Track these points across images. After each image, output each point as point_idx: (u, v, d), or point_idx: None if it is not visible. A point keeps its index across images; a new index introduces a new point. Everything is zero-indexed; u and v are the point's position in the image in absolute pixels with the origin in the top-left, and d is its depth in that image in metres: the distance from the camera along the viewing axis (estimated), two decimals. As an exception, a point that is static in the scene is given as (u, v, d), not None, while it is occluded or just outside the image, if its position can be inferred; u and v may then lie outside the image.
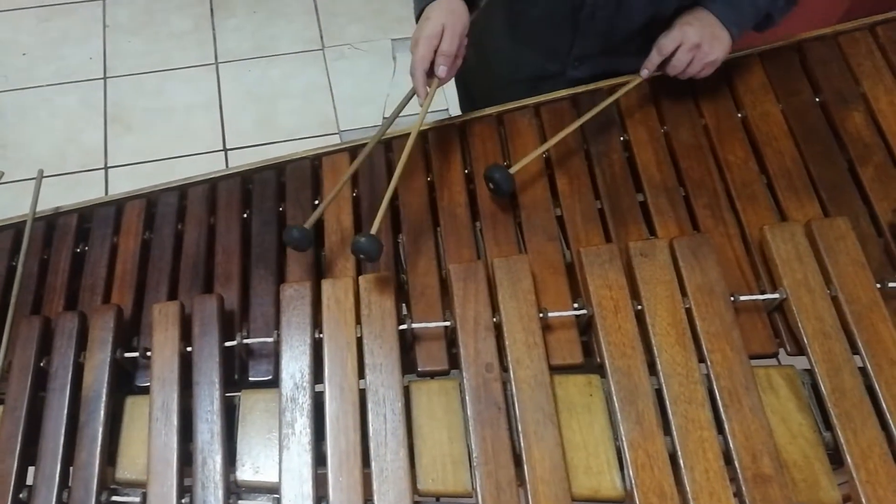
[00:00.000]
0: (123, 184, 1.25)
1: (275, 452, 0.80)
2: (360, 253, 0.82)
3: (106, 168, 2.19)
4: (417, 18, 0.94)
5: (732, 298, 0.83)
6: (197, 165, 2.14)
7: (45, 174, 1.06)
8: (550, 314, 0.83)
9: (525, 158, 0.94)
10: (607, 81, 1.06)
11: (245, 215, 0.98)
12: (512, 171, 0.92)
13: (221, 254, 0.95)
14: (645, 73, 0.98)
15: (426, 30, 0.89)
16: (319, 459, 0.77)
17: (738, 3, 0.96)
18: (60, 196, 1.06)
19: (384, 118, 2.23)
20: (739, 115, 1.03)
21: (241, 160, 1.04)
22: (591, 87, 1.06)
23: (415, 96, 0.95)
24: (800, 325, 0.81)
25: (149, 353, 0.83)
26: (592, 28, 1.02)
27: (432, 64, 0.91)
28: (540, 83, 1.11)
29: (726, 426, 0.75)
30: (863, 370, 0.78)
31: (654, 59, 0.97)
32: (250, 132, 2.23)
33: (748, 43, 1.07)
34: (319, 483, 0.76)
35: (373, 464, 0.76)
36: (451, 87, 1.19)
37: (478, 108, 1.27)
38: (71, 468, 0.78)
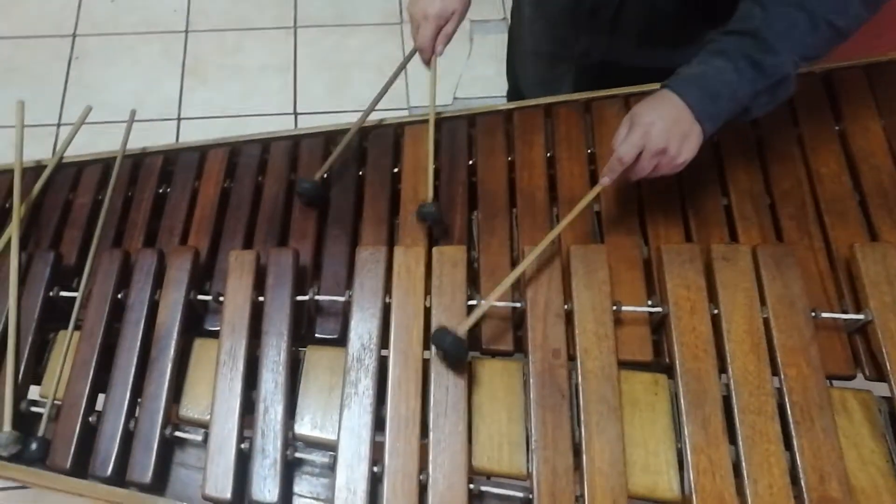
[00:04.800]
0: (194, 136, 1.28)
1: (334, 410, 0.80)
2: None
3: (179, 119, 2.23)
4: None
5: (813, 314, 0.80)
6: (267, 125, 2.14)
7: (120, 119, 1.08)
8: (624, 308, 0.81)
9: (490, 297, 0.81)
10: (631, 88, 1.03)
11: (325, 175, 0.99)
12: (461, 331, 0.78)
13: (298, 210, 0.96)
14: (605, 181, 0.83)
15: (436, 6, 0.94)
16: (377, 425, 0.77)
17: (717, 93, 0.79)
18: (133, 142, 1.08)
19: (454, 98, 2.23)
20: (837, 127, 0.99)
21: (310, 125, 1.06)
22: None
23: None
24: (884, 350, 0.78)
25: (221, 298, 0.85)
26: (594, 25, 1.01)
27: None
28: (556, 62, 1.14)
29: (795, 443, 0.73)
30: (947, 403, 0.75)
31: (615, 167, 0.82)
32: (321, 99, 2.25)
33: (853, 54, 1.03)
34: (376, 448, 0.76)
35: (431, 434, 0.75)
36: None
37: (516, 75, 1.35)
38: (139, 400, 0.81)
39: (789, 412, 0.75)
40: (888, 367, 0.77)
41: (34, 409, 0.83)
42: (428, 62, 1.01)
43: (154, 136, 1.10)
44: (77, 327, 0.86)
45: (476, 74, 2.26)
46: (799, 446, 0.73)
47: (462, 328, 0.78)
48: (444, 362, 0.79)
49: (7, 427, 0.79)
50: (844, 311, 0.83)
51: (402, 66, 1.05)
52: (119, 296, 0.86)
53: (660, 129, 0.79)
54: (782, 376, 0.77)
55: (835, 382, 0.81)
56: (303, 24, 2.41)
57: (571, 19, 1.05)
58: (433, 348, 0.79)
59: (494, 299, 0.80)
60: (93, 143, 1.09)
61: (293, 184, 0.98)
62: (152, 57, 2.34)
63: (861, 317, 0.80)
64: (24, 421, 0.82)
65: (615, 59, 1.04)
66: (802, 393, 0.75)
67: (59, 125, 2.18)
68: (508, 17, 2.39)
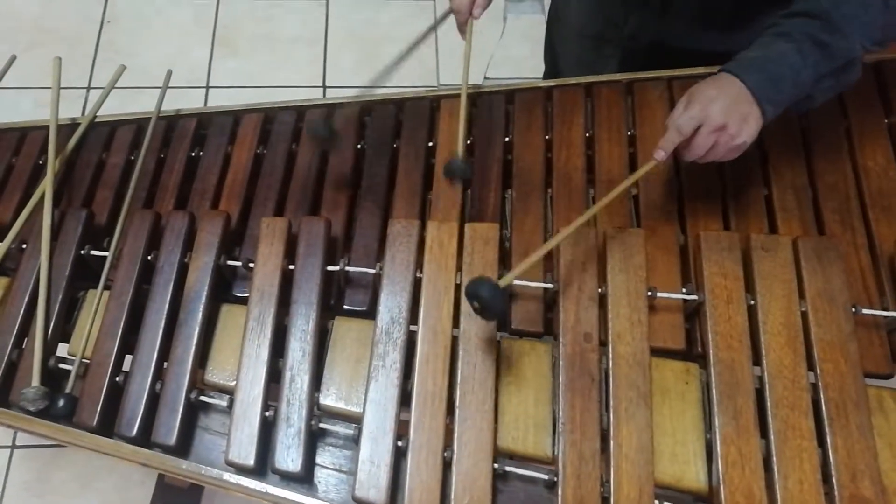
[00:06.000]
0: (221, 105, 1.29)
1: (360, 382, 0.80)
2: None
3: (207, 87, 2.22)
4: None
5: (854, 310, 0.78)
6: (295, 98, 2.15)
7: (148, 85, 1.08)
8: (659, 294, 0.79)
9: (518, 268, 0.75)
10: (675, 71, 1.00)
11: (359, 146, 0.97)
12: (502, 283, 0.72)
13: (332, 180, 0.95)
14: (661, 154, 0.78)
15: None
16: (403, 399, 0.77)
17: (779, 76, 0.76)
18: (163, 107, 1.07)
19: (485, 77, 2.20)
20: (887, 120, 0.96)
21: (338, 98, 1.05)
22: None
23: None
24: (925, 350, 0.76)
25: (251, 265, 0.84)
26: (646, 5, 0.98)
27: None
28: (602, 44, 1.10)
29: (828, 440, 0.71)
30: None
31: (672, 138, 0.78)
32: (350, 72, 2.23)
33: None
34: (400, 423, 0.76)
35: (457, 411, 0.75)
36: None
37: (555, 55, 1.31)
38: (165, 362, 0.80)
39: (824, 408, 0.73)
40: (929, 368, 0.75)
41: (62, 366, 0.84)
42: (464, 26, 0.97)
43: (182, 103, 1.10)
44: (107, 287, 0.86)
45: (508, 55, 2.23)
46: (832, 443, 0.71)
47: (504, 280, 0.72)
48: (479, 316, 0.72)
49: (35, 382, 0.79)
50: (885, 309, 0.81)
51: (434, 27, 1.01)
52: (149, 257, 0.86)
53: (721, 105, 0.75)
54: (818, 371, 0.75)
55: (872, 381, 0.79)
56: (335, -3, 2.38)
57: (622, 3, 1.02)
58: (463, 309, 0.78)
59: (537, 257, 0.75)
60: (121, 107, 1.08)
61: (327, 153, 0.97)
62: (183, 23, 2.33)
63: (903, 315, 0.78)
64: (52, 377, 0.83)
65: (665, 41, 1.01)
66: (838, 389, 0.74)
67: (88, 88, 2.18)
68: (545, -4, 2.36)
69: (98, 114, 1.05)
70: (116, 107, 1.08)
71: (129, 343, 0.82)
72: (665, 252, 0.86)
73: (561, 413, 0.74)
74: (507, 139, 0.97)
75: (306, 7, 2.37)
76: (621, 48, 1.08)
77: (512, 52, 2.23)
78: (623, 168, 0.93)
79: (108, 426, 0.79)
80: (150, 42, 2.29)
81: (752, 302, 0.78)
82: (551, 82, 1.00)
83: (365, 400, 0.76)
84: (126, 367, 0.82)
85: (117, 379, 0.80)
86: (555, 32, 1.33)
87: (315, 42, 2.29)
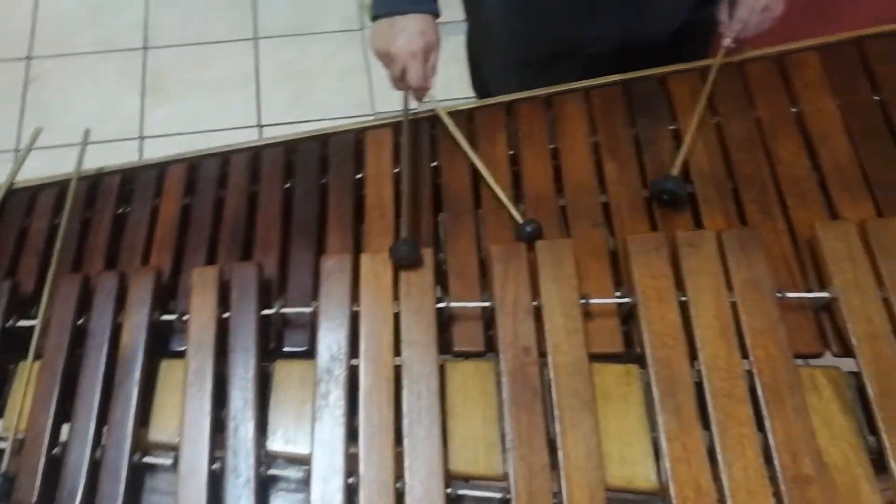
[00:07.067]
0: (157, 154, 1.25)
1: (307, 424, 0.79)
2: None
3: (141, 138, 2.20)
4: (374, 18, 0.95)
5: (779, 295, 0.81)
6: (231, 140, 2.13)
7: (79, 142, 1.06)
8: (592, 301, 0.81)
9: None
10: (592, 81, 1.03)
11: (287, 185, 0.97)
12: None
13: (262, 222, 0.94)
14: (727, 41, 1.02)
15: (419, 43, 0.92)
16: (351, 435, 0.76)
17: None
18: (95, 163, 1.05)
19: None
20: (794, 109, 1.00)
21: (274, 136, 1.04)
22: (645, 73, 1.03)
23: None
24: (848, 326, 0.78)
25: (186, 317, 0.83)
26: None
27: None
28: (553, 62, 1.11)
29: (767, 424, 0.73)
30: (914, 375, 0.76)
31: (736, 27, 1.01)
32: (285, 109, 2.23)
33: (805, 35, 1.05)
34: (350, 459, 0.75)
35: (405, 440, 0.75)
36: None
37: (488, 90, 1.28)
38: (105, 427, 0.79)
39: (760, 394, 0.75)
40: (853, 343, 0.77)
41: (-3, 443, 0.81)
42: (423, 96, 1.01)
43: (116, 156, 1.08)
44: (38, 356, 0.84)
45: (438, 77, 2.25)
46: (771, 427, 0.73)
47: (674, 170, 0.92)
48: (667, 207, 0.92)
49: (-30, 464, 0.77)
50: (809, 290, 0.84)
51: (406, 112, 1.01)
52: (80, 322, 0.84)
53: None
54: (751, 358, 0.77)
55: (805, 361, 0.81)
56: (263, 35, 2.39)
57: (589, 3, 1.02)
58: (404, 337, 0.79)
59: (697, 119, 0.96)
60: (55, 167, 1.06)
61: (255, 196, 0.97)
62: (111, 76, 2.30)
63: (825, 294, 0.81)
64: (-13, 458, 0.80)
65: (636, 36, 1.05)
66: (772, 374, 0.76)
67: (16, 150, 2.14)
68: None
69: (20, 179, 1.03)
70: (49, 166, 1.06)
71: (66, 412, 0.80)
72: (595, 258, 0.87)
73: (508, 429, 0.75)
74: (433, 164, 0.98)
75: (235, 48, 2.36)
76: (584, 58, 1.08)
77: (442, 73, 2.25)
78: (550, 182, 0.95)
79: (49, 501, 0.76)
80: (79, 97, 2.25)
81: (684, 298, 0.80)
82: (472, 105, 1.02)
83: (312, 440, 0.76)
84: (64, 437, 0.80)
85: (55, 451, 0.78)
86: (483, 67, 1.30)
87: (247, 82, 2.29)
